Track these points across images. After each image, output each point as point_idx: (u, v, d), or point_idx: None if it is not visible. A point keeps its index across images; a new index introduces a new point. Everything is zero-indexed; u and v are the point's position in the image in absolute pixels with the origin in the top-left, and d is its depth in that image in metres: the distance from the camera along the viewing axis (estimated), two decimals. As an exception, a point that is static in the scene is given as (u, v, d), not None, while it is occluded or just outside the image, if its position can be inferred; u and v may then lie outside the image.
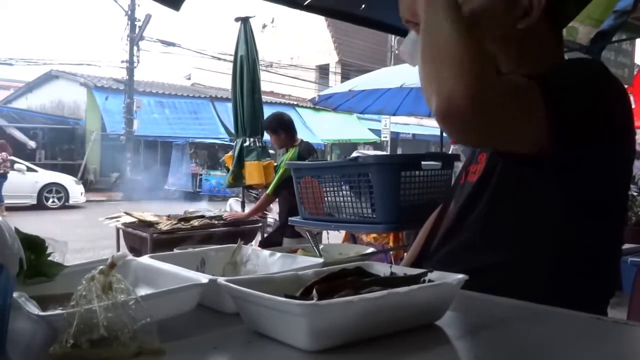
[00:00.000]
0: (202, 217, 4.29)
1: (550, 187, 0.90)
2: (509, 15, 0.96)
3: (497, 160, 0.97)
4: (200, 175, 16.09)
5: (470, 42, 0.79)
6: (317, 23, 20.97)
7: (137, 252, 3.82)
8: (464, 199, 1.04)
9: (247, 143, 4.73)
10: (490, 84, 0.78)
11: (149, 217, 4.19)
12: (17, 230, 0.68)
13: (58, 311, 0.58)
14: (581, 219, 0.90)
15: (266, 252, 0.94)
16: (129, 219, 4.18)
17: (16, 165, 12.57)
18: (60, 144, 17.42)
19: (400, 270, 0.75)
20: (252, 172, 4.64)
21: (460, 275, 0.67)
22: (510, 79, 0.84)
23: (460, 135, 0.84)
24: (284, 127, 4.09)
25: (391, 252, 3.39)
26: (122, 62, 16.92)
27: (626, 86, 6.24)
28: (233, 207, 5.97)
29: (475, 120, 0.78)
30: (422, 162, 1.74)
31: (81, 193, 13.62)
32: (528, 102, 0.82)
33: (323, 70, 23.03)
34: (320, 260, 0.88)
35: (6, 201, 11.39)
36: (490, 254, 0.96)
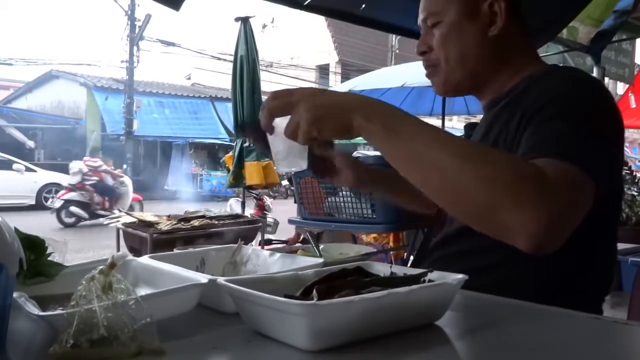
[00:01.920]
0: (202, 217, 4.29)
1: None
2: (478, 25, 0.99)
3: None
4: (201, 175, 16.09)
5: (495, 160, 0.72)
6: (317, 23, 20.96)
7: (137, 252, 3.82)
8: None
9: (246, 143, 4.74)
10: (550, 199, 0.70)
11: (149, 217, 4.19)
12: (17, 230, 0.68)
13: (58, 311, 0.58)
14: None
15: (266, 252, 0.94)
16: (129, 219, 4.18)
17: (15, 165, 12.55)
18: (60, 144, 17.40)
19: (400, 270, 0.75)
20: (252, 172, 4.65)
21: (460, 275, 0.67)
22: (560, 177, 0.73)
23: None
24: None
25: (391, 252, 3.39)
26: (122, 62, 16.90)
27: (627, 86, 6.25)
28: (233, 207, 5.97)
29: (562, 238, 0.74)
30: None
31: (81, 193, 13.60)
32: (582, 190, 0.76)
33: (323, 70, 23.03)
34: (321, 260, 0.88)
35: (4, 201, 11.34)
36: (486, 255, 0.96)
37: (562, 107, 0.87)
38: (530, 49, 1.06)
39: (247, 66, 4.74)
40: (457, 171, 0.70)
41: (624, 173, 4.51)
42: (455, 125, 19.35)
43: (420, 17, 1.06)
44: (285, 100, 0.75)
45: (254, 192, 5.43)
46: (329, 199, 1.89)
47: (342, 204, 1.84)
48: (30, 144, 16.73)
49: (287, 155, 0.79)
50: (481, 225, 0.74)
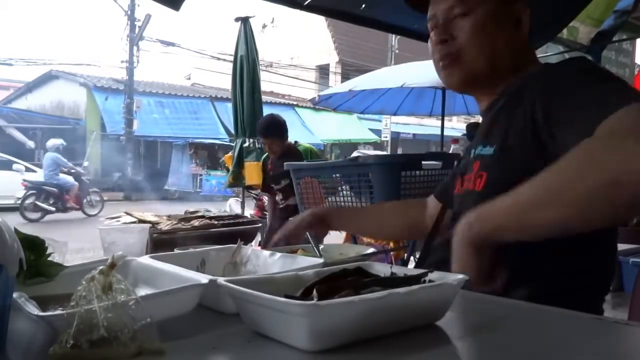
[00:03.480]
0: (202, 217, 4.28)
1: None
2: (508, 25, 1.02)
3: (500, 170, 0.96)
4: (201, 175, 16.09)
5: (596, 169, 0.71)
6: (317, 23, 20.97)
7: (137, 252, 3.81)
8: (470, 208, 1.02)
9: (246, 144, 4.74)
10: None
11: (149, 217, 4.18)
12: (17, 230, 0.68)
13: (58, 311, 0.58)
14: None
15: (266, 252, 0.93)
16: (129, 219, 4.17)
17: (15, 166, 12.54)
18: (59, 144, 17.40)
19: (401, 270, 0.75)
20: (252, 172, 4.65)
21: (460, 275, 0.67)
22: None
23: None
24: (284, 131, 3.77)
25: (391, 252, 3.39)
26: (122, 62, 16.91)
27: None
28: (233, 207, 5.96)
29: None
30: (423, 162, 1.74)
31: (81, 193, 13.59)
32: None
33: (323, 70, 23.03)
34: (321, 260, 0.88)
35: (3, 201, 11.30)
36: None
37: (584, 76, 0.89)
38: (531, 53, 1.11)
39: (247, 66, 4.75)
40: (569, 189, 0.72)
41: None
42: (455, 125, 19.38)
43: (444, 5, 1.05)
44: None
45: (253, 192, 5.42)
46: (329, 199, 1.88)
47: (342, 204, 1.84)
48: (30, 144, 16.72)
49: None
50: (622, 210, 0.72)
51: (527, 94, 0.93)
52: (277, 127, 3.73)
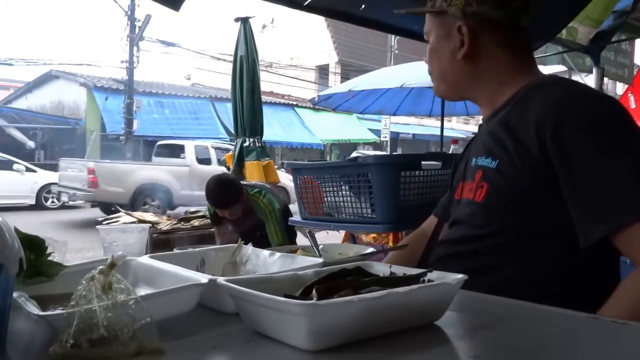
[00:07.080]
0: (202, 217, 4.29)
1: (562, 204, 0.90)
2: (449, 47, 1.05)
3: (501, 183, 0.96)
4: (200, 175, 16.09)
5: None
6: (317, 23, 20.98)
7: (137, 252, 3.81)
8: (469, 217, 1.03)
9: (246, 143, 4.75)
10: None
11: (148, 217, 4.20)
12: (17, 230, 0.68)
13: (58, 311, 0.58)
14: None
15: (266, 252, 0.93)
16: (129, 219, 4.18)
17: (15, 166, 12.55)
18: (60, 144, 17.39)
19: (400, 270, 0.75)
20: (253, 171, 4.65)
21: (460, 275, 0.67)
22: None
23: None
24: (241, 190, 2.91)
25: (390, 252, 3.38)
26: (122, 62, 16.89)
27: (626, 86, 6.28)
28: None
29: None
30: (422, 162, 1.74)
31: (81, 193, 13.59)
32: None
33: (323, 71, 23.04)
34: (320, 260, 0.88)
35: (4, 201, 11.32)
36: (485, 257, 0.97)
37: (602, 138, 0.88)
38: (523, 61, 1.06)
39: (246, 66, 4.75)
40: None
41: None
42: (455, 126, 19.37)
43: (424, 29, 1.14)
44: None
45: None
46: (329, 199, 1.89)
47: (341, 204, 1.84)
48: (30, 144, 16.71)
49: None
50: None
51: (532, 115, 0.93)
52: (235, 191, 2.86)
